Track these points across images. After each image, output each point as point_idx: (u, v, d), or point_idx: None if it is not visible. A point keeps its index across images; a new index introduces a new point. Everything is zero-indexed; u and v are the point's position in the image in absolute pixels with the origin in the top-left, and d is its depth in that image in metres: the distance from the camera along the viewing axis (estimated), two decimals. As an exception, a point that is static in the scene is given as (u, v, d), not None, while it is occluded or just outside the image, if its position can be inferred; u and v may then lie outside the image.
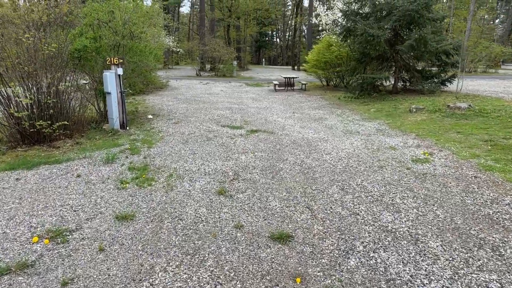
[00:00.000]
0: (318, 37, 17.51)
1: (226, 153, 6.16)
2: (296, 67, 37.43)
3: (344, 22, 13.34)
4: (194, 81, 21.74)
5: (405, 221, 3.58)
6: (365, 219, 3.64)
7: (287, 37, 60.91)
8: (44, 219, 3.76)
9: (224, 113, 10.27)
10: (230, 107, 11.44)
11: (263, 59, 52.63)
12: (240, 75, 27.53)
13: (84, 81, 9.74)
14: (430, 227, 3.46)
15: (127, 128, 8.29)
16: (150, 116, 9.74)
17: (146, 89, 16.10)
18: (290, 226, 3.50)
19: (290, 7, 57.05)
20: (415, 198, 4.14)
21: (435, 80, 12.80)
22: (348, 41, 13.39)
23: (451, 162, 5.43)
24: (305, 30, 50.72)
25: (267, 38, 57.35)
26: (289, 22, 58.88)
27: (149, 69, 9.48)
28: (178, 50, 25.66)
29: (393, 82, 13.50)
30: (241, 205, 4.02)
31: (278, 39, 65.15)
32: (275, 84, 17.09)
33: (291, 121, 9.12)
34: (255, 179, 4.86)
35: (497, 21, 48.39)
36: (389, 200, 4.09)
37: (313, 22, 17.52)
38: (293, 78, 17.14)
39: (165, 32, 19.82)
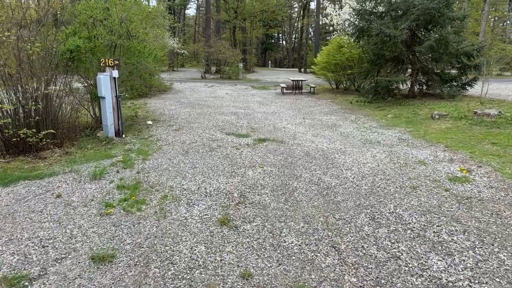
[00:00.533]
0: (329, 38, 16.65)
1: (231, 167, 5.35)
2: (303, 70, 36.58)
3: (356, 22, 12.49)
4: (199, 83, 21.01)
5: (462, 270, 2.73)
6: (410, 266, 2.80)
7: (293, 39, 60.11)
8: (3, 259, 2.98)
9: (229, 119, 9.47)
10: (236, 112, 10.64)
11: (269, 61, 51.77)
12: (246, 78, 26.77)
13: (80, 84, 9.02)
14: (498, 280, 2.61)
15: (123, 136, 7.52)
16: (149, 122, 8.97)
17: (149, 92, 15.39)
18: (313, 277, 2.68)
19: (296, 9, 56.27)
20: (466, 233, 3.28)
21: (454, 83, 11.88)
22: (361, 42, 12.53)
23: (496, 182, 4.56)
24: (312, 32, 49.87)
25: (273, 40, 56.56)
26: (296, 24, 58.08)
27: (148, 72, 8.72)
28: (182, 52, 24.92)
29: (408, 86, 12.61)
30: (248, 241, 3.20)
31: (284, 41, 64.35)
32: (282, 87, 16.28)
33: (302, 128, 8.29)
34: (265, 203, 4.03)
35: (507, 22, 47.10)
36: (434, 236, 3.24)
37: (323, 22, 16.66)
38: (302, 81, 16.31)
39: (169, 34, 19.11)
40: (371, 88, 12.53)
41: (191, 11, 66.60)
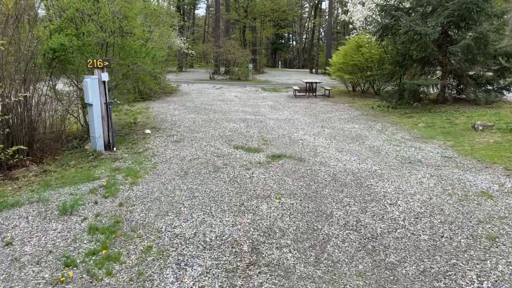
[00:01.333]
0: (348, 37, 15.28)
1: (239, 197, 4.14)
2: (314, 70, 35.20)
3: (379, 19, 11.16)
4: (207, 85, 19.87)
5: None
6: None
7: (303, 39, 58.69)
8: None
9: (237, 127, 8.27)
10: (245, 119, 9.43)
11: (279, 62, 50.37)
12: (256, 79, 25.55)
13: (71, 87, 7.92)
14: None
15: (114, 149, 6.37)
16: (147, 131, 7.82)
17: (154, 95, 14.29)
18: None
19: (307, 9, 54.78)
20: None
21: (490, 87, 10.47)
22: (385, 41, 11.17)
23: None
24: (323, 33, 48.36)
25: (283, 41, 55.14)
26: (306, 24, 56.64)
27: (148, 74, 7.57)
28: (190, 52, 23.75)
29: (437, 90, 11.24)
30: None
31: (294, 42, 62.84)
32: (295, 90, 15.01)
33: (323, 140, 7.03)
34: (288, 265, 2.81)
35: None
36: None
37: (341, 20, 15.33)
38: (316, 83, 15.01)
39: (176, 33, 18.00)
40: (395, 92, 11.19)
41: (200, 11, 65.66)
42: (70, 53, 6.58)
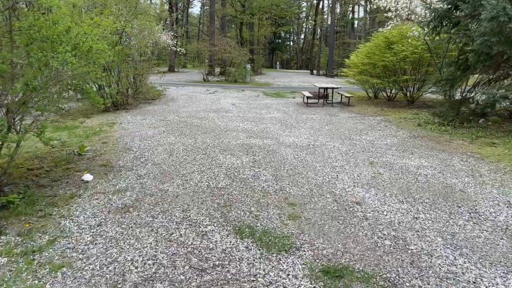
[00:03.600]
0: (373, 34, 11.81)
1: None
2: (315, 72, 31.91)
3: (428, 5, 7.86)
4: (200, 88, 16.47)
5: None
6: None
7: (301, 39, 55.33)
8: None
9: (239, 166, 4.94)
10: (249, 146, 6.10)
11: (277, 63, 46.82)
12: (254, 81, 22.20)
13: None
14: None
15: (-12, 239, 2.99)
16: (87, 177, 4.43)
17: (134, 101, 10.84)
18: None
19: (304, 9, 51.30)
20: None
21: None
22: (441, 35, 7.82)
23: None
24: (319, 32, 44.96)
25: (280, 40, 51.60)
26: (304, 24, 53.28)
27: (85, 79, 4.16)
28: (179, 50, 20.24)
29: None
30: None
31: (291, 42, 59.27)
32: (306, 97, 11.69)
33: (396, 204, 3.73)
34: None
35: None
36: None
37: (377, 7, 11.96)
38: (333, 88, 11.70)
39: (161, 26, 14.55)
40: (451, 104, 7.93)
41: (195, 9, 61.88)
42: None
